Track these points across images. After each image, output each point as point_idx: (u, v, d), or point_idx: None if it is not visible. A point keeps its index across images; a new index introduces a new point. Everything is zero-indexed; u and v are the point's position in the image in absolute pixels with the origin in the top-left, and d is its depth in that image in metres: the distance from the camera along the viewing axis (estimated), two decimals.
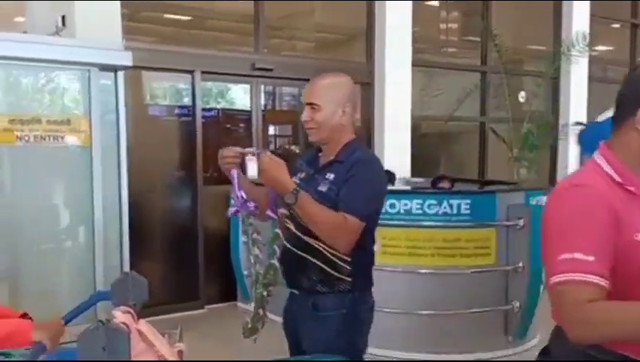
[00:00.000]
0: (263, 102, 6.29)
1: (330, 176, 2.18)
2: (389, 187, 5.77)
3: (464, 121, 7.90)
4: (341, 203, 2.09)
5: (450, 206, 4.35)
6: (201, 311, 5.60)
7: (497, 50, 7.25)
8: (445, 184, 5.31)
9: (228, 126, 6.24)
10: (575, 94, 8.27)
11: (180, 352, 1.80)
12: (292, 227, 2.18)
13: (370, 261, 2.29)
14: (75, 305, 2.30)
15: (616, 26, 9.65)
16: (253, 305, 2.24)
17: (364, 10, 6.72)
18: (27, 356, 1.90)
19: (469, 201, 4.37)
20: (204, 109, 5.76)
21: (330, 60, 6.76)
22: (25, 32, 5.28)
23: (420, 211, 4.39)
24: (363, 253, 2.21)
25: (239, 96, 6.40)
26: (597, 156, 1.56)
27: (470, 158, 7.94)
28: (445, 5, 8.13)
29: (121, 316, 1.65)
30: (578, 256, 1.36)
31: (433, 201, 4.37)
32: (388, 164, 6.45)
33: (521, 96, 7.77)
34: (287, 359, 2.34)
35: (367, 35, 6.75)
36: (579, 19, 8.14)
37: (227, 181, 2.25)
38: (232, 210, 2.24)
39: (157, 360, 1.68)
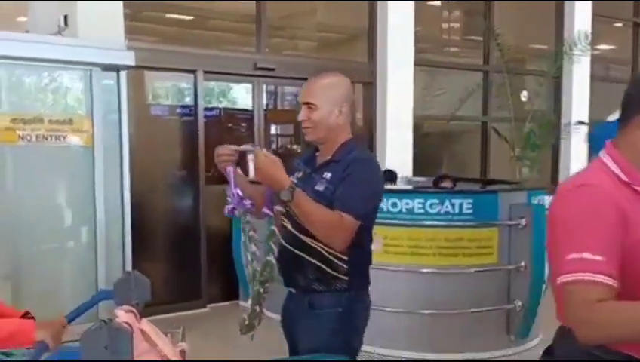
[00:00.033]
0: (264, 101, 6.29)
1: (327, 175, 2.19)
2: (391, 186, 5.81)
3: (466, 121, 7.89)
4: (337, 201, 2.10)
5: (453, 205, 4.35)
6: (203, 310, 5.60)
7: (500, 50, 7.24)
8: (447, 183, 5.31)
9: (230, 125, 6.24)
10: (577, 93, 8.26)
11: (183, 352, 1.80)
12: (289, 225, 2.17)
13: (367, 260, 2.29)
14: (77, 305, 2.31)
15: (619, 24, 9.63)
16: (250, 301, 2.24)
17: (367, 9, 6.72)
18: (28, 356, 1.91)
19: (471, 201, 4.37)
20: (206, 109, 5.76)
21: (332, 60, 6.75)
22: (27, 32, 5.29)
23: (422, 211, 4.38)
24: (360, 251, 2.22)
25: (241, 95, 6.41)
26: (603, 155, 1.56)
27: (472, 158, 7.93)
28: (447, 5, 8.12)
29: (123, 315, 1.65)
30: (586, 255, 1.36)
31: (435, 201, 4.37)
32: (390, 164, 6.47)
33: (523, 95, 7.75)
34: (288, 359, 2.34)
35: (369, 34, 6.74)
36: (581, 18, 8.13)
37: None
38: (228, 207, 2.25)
39: (160, 359, 1.68)
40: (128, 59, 4.38)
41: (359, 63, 6.81)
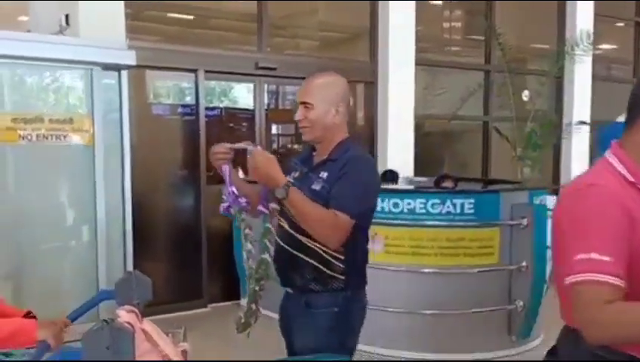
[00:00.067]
0: (266, 101, 6.29)
1: (324, 174, 2.20)
2: (393, 186, 5.80)
3: (467, 120, 7.88)
4: (332, 200, 2.10)
5: (454, 205, 4.34)
6: (204, 309, 5.60)
7: (501, 49, 7.24)
8: (449, 183, 5.30)
9: (231, 125, 6.24)
10: (579, 93, 8.25)
11: (184, 352, 1.80)
12: (286, 225, 2.19)
13: (363, 259, 2.30)
14: (78, 304, 2.30)
15: (621, 24, 9.62)
16: (246, 299, 2.25)
17: (368, 8, 6.71)
18: (29, 356, 1.90)
19: (472, 201, 4.36)
20: (207, 108, 5.76)
21: (333, 59, 6.75)
22: (29, 31, 5.29)
23: (424, 210, 4.38)
24: (356, 251, 2.22)
25: (242, 95, 6.40)
26: (609, 155, 1.55)
27: (473, 157, 7.92)
28: (449, 4, 8.11)
29: (125, 315, 1.64)
30: (594, 256, 1.35)
31: (437, 201, 4.36)
32: (391, 163, 6.47)
33: (525, 95, 7.74)
34: (288, 359, 2.34)
35: (371, 34, 6.74)
36: (583, 18, 8.12)
37: None
38: (223, 205, 2.26)
39: (161, 359, 1.67)
40: (129, 58, 4.38)
41: (360, 63, 6.80)
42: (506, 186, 5.34)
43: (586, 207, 1.43)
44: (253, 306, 2.21)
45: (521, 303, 4.34)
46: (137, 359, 1.51)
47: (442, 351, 4.34)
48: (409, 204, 4.40)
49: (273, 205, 2.16)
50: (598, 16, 8.30)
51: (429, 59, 7.45)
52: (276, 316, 2.43)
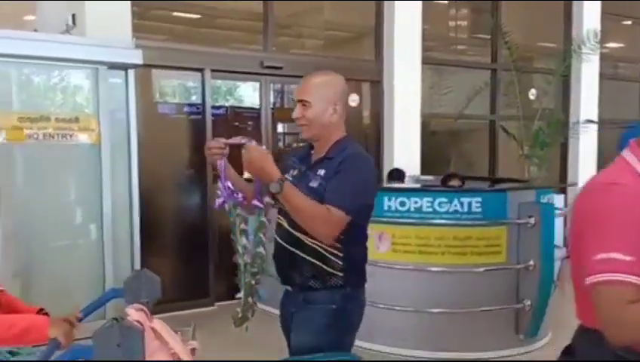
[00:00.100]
0: (271, 99, 6.29)
1: (321, 172, 2.21)
2: (399, 185, 5.79)
3: (474, 119, 7.86)
4: (327, 195, 2.12)
5: (461, 204, 4.33)
6: (211, 308, 5.61)
7: (508, 48, 7.21)
8: (455, 182, 5.28)
9: (237, 124, 6.24)
10: (586, 92, 8.22)
11: (193, 350, 1.80)
12: (285, 223, 2.23)
13: (363, 257, 2.31)
14: (85, 302, 2.31)
15: (628, 22, 9.58)
16: (242, 293, 2.26)
17: (373, 7, 6.70)
18: (40, 355, 1.90)
19: (479, 199, 4.35)
20: (213, 107, 5.77)
21: (339, 58, 6.75)
22: (35, 31, 5.30)
23: (431, 209, 4.37)
24: (355, 248, 2.24)
25: (248, 94, 6.40)
26: (627, 154, 1.54)
27: (480, 156, 7.90)
28: (455, 3, 8.09)
29: (134, 314, 1.65)
30: (616, 255, 1.34)
31: (444, 199, 4.35)
32: (397, 162, 6.46)
33: (532, 93, 7.72)
34: (294, 359, 2.33)
35: (376, 32, 6.73)
36: (590, 16, 8.08)
37: None
38: (218, 201, 2.28)
39: (171, 357, 1.67)
40: (136, 57, 4.38)
41: (366, 62, 6.79)
42: (513, 185, 5.32)
43: (605, 206, 1.42)
44: (250, 300, 2.25)
45: (529, 302, 4.33)
46: (147, 357, 1.51)
47: (449, 349, 4.33)
48: (416, 202, 4.39)
49: (268, 199, 2.20)
50: (605, 14, 8.26)
51: (435, 58, 7.44)
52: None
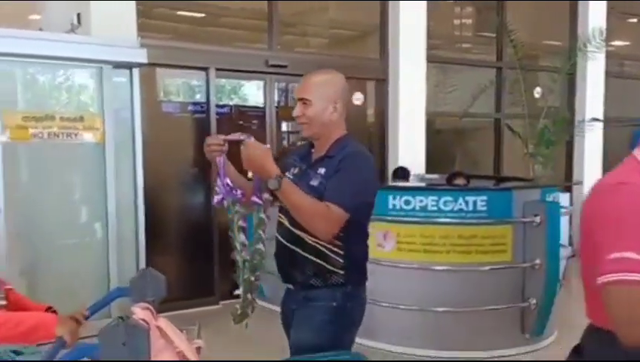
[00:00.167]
0: (276, 98, 6.29)
1: (322, 170, 2.22)
2: (404, 184, 5.78)
3: (479, 117, 7.85)
4: (326, 193, 2.12)
5: (466, 203, 4.32)
6: (215, 306, 5.61)
7: (513, 46, 7.19)
8: (461, 181, 5.28)
9: (241, 122, 6.24)
10: (591, 90, 8.18)
11: (199, 349, 1.80)
12: (286, 222, 2.23)
13: (363, 255, 2.31)
14: (90, 301, 2.32)
15: (633, 20, 9.53)
16: (241, 290, 2.26)
17: (378, 5, 6.69)
18: (45, 355, 1.91)
19: (485, 198, 4.34)
20: (217, 106, 5.77)
21: (343, 57, 6.73)
22: (40, 30, 5.32)
23: (436, 208, 4.36)
24: (356, 246, 2.25)
25: (253, 92, 6.41)
26: (638, 153, 1.53)
27: (485, 155, 7.88)
28: (460, 1, 8.07)
29: (140, 312, 1.65)
30: (630, 255, 1.33)
31: (449, 198, 4.34)
32: (402, 161, 6.45)
33: (537, 92, 7.69)
34: (298, 359, 2.33)
35: (381, 31, 6.72)
36: (595, 14, 8.05)
37: None
38: (217, 198, 2.27)
39: (176, 355, 1.67)
40: (141, 56, 4.39)
41: (371, 60, 6.78)
42: (518, 184, 5.30)
43: (617, 206, 1.41)
44: (249, 296, 2.25)
45: (534, 301, 4.31)
46: (152, 355, 1.51)
47: (455, 348, 4.32)
48: (421, 201, 4.38)
49: (266, 196, 2.20)
50: (610, 12, 8.22)
51: (440, 57, 7.42)
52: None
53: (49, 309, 2.26)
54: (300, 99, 2.25)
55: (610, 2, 8.19)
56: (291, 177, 2.23)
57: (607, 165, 7.90)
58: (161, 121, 5.63)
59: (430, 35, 6.81)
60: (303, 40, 7.12)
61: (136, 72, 4.49)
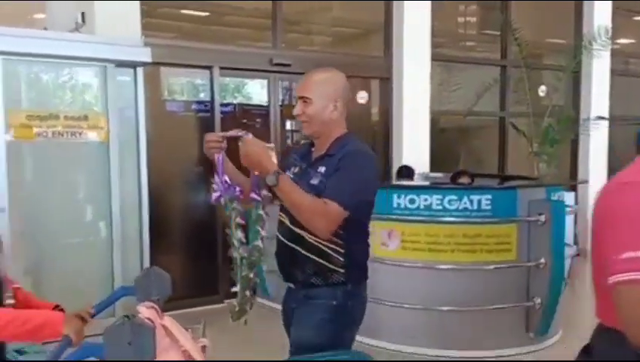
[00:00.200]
0: (280, 97, 6.29)
1: (322, 169, 2.21)
2: (409, 182, 5.77)
3: (483, 116, 7.82)
4: (326, 190, 2.12)
5: (471, 201, 4.31)
6: (220, 305, 5.61)
7: (517, 44, 7.17)
8: (465, 179, 5.26)
9: (245, 121, 6.24)
10: (596, 88, 8.15)
11: (204, 347, 1.80)
12: (286, 221, 2.23)
13: (364, 254, 2.31)
14: (94, 299, 2.32)
15: (639, 18, 9.49)
16: (238, 286, 2.27)
17: (382, 4, 6.68)
18: (50, 355, 1.91)
19: (489, 197, 4.32)
20: (221, 104, 5.77)
21: (347, 55, 6.73)
22: (45, 29, 5.32)
23: (440, 207, 4.35)
24: (356, 245, 2.24)
25: (257, 91, 6.40)
26: None
27: (490, 153, 7.86)
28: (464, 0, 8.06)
29: (145, 311, 1.65)
30: None
31: (453, 197, 4.33)
32: (406, 159, 6.44)
33: (542, 90, 7.66)
34: (301, 359, 2.33)
35: (385, 29, 6.70)
36: (600, 12, 8.01)
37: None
38: (214, 195, 2.27)
39: (181, 354, 1.67)
40: (145, 55, 4.39)
41: (375, 58, 6.77)
42: (523, 182, 5.28)
43: (628, 205, 1.39)
44: (248, 293, 2.26)
45: (539, 300, 4.30)
46: (158, 354, 1.51)
47: (459, 347, 4.31)
48: (425, 200, 4.37)
49: (265, 192, 2.20)
50: (616, 10, 8.18)
51: (444, 55, 7.41)
52: None
53: (56, 307, 2.26)
54: (301, 98, 2.25)
55: (615, 1, 8.16)
56: (292, 176, 2.24)
57: (613, 164, 7.88)
58: (166, 119, 5.63)
59: (434, 33, 6.79)
60: (307, 38, 7.12)
61: (140, 70, 4.49)
